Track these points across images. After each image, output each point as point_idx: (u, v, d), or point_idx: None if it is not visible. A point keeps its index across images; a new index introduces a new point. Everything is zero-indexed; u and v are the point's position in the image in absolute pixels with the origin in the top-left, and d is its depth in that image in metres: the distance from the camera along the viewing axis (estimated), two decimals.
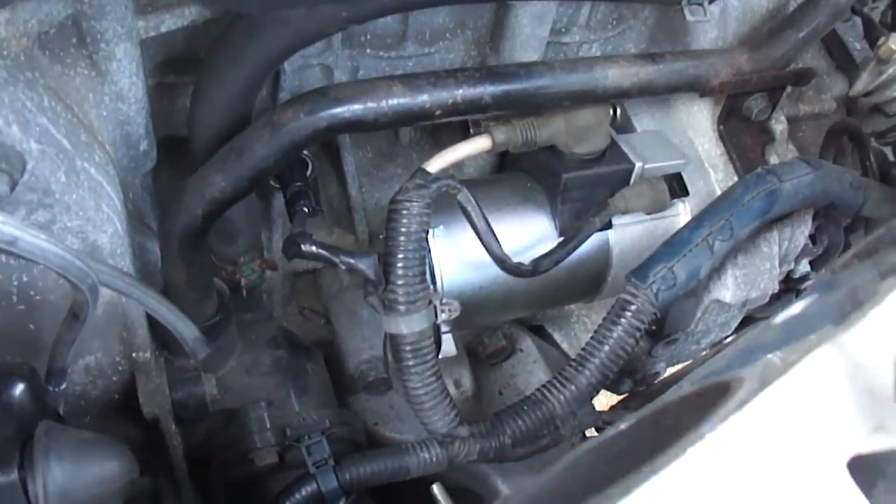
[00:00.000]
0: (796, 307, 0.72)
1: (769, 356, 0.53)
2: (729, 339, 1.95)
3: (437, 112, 1.31)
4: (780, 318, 0.71)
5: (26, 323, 1.21)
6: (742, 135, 1.73)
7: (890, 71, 1.52)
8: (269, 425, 1.40)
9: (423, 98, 1.29)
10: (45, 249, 0.92)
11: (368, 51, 1.51)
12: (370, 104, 1.26)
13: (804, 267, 1.94)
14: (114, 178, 1.24)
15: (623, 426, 0.65)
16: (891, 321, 0.52)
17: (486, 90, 1.33)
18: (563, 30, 1.63)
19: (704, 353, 2.00)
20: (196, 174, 1.27)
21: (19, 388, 1.05)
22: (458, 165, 1.43)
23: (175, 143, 1.49)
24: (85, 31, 1.19)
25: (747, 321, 1.90)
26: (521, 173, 1.62)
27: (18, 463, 0.94)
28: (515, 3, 1.47)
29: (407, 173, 1.77)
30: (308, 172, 1.52)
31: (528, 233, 1.54)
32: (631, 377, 1.97)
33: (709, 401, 0.55)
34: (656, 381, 2.03)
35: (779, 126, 1.75)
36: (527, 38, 1.52)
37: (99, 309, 1.17)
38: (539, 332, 2.02)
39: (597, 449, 0.65)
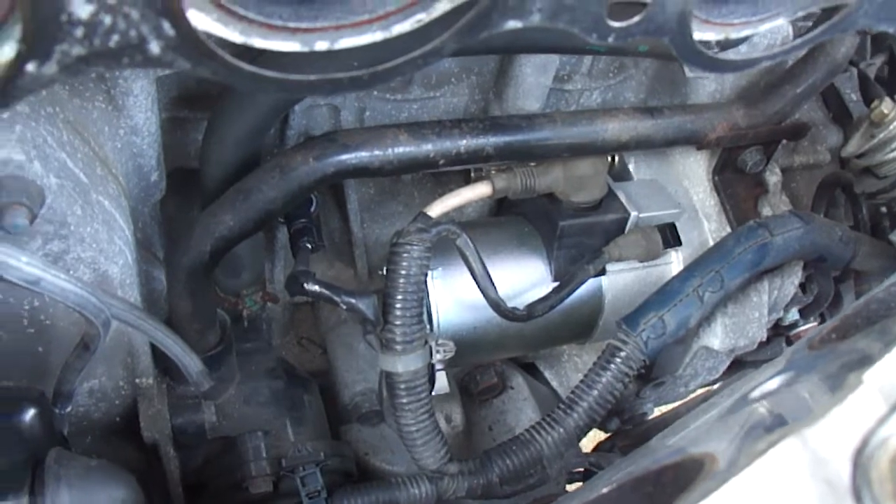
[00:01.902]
0: (773, 382, 0.76)
1: (741, 441, 0.57)
2: (716, 387, 1.98)
3: (441, 161, 1.35)
4: (758, 391, 0.75)
5: (35, 346, 1.24)
6: (736, 186, 1.77)
7: (881, 135, 1.55)
8: (265, 454, 1.43)
9: (428, 147, 1.33)
10: (65, 289, 0.96)
11: (375, 93, 1.55)
12: (377, 152, 1.30)
13: (793, 315, 1.98)
14: (126, 210, 1.28)
15: (605, 489, 0.69)
16: (850, 419, 0.57)
17: (489, 141, 1.38)
18: (566, 77, 1.67)
19: (692, 395, 2.04)
20: (206, 212, 1.31)
21: (30, 413, 1.08)
22: (459, 208, 1.47)
23: (185, 174, 1.53)
24: None
25: (737, 363, 1.93)
26: (519, 217, 1.66)
27: (29, 488, 0.98)
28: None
29: (408, 211, 1.81)
30: (312, 208, 1.56)
31: (524, 277, 1.58)
32: (619, 417, 2.00)
33: (683, 475, 0.59)
34: (644, 421, 2.07)
35: (773, 178, 1.79)
36: (530, 86, 1.57)
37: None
38: (530, 370, 2.05)
39: None
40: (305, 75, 0.66)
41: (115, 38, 0.56)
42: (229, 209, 1.27)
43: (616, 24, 0.76)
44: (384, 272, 1.37)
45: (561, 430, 1.42)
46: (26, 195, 1.04)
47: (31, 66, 0.56)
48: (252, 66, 0.62)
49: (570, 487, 1.62)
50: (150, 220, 1.50)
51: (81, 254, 1.19)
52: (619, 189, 1.61)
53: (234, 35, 0.63)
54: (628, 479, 0.69)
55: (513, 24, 0.70)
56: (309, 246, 1.49)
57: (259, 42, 0.64)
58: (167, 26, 0.57)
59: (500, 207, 1.86)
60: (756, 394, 0.76)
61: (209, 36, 0.63)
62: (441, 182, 1.83)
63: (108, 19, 0.56)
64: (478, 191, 1.46)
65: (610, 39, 0.75)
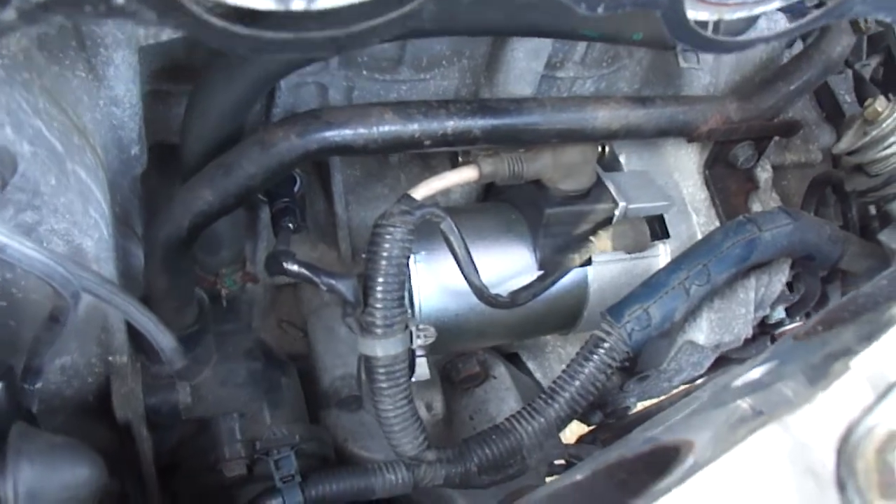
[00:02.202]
0: (756, 371, 0.74)
1: (719, 427, 0.55)
2: (698, 382, 1.97)
3: (427, 142, 1.32)
4: (740, 381, 0.73)
5: (6, 319, 1.21)
6: (727, 181, 1.75)
7: (874, 133, 1.54)
8: (239, 437, 1.41)
9: (414, 127, 1.31)
10: (31, 258, 0.94)
11: (364, 72, 1.53)
12: (361, 130, 1.28)
13: (779, 313, 1.96)
14: (103, 182, 1.25)
15: (579, 476, 0.67)
16: (835, 406, 0.55)
17: (477, 123, 1.35)
18: (558, 65, 1.64)
19: (676, 390, 2.03)
20: (184, 186, 1.28)
21: None
22: (444, 192, 1.44)
23: (167, 149, 1.50)
24: (85, 35, 1.20)
25: (722, 360, 1.92)
26: (505, 204, 1.64)
27: None
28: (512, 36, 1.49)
29: (394, 193, 1.79)
30: (296, 188, 1.54)
31: (509, 264, 1.55)
32: (602, 410, 1.99)
33: (659, 462, 0.57)
34: (627, 415, 2.06)
35: (764, 174, 1.78)
36: (521, 71, 1.54)
37: (79, 310, 1.17)
38: (513, 360, 2.03)
39: (553, 497, 0.67)
40: (279, 33, 0.63)
41: None
42: (208, 184, 1.24)
43: None
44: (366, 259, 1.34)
45: (542, 419, 1.40)
46: None
47: None
48: (222, 20, 0.60)
49: (549, 479, 1.61)
50: (129, 194, 1.47)
51: (55, 225, 1.16)
52: (608, 179, 1.59)
53: None
54: (602, 467, 0.67)
55: None
56: (291, 226, 1.46)
57: None
58: None
59: (487, 194, 1.84)
60: (738, 383, 0.73)
61: None
62: (428, 166, 1.80)
63: None
64: (464, 175, 1.44)
65: (599, 10, 0.73)
